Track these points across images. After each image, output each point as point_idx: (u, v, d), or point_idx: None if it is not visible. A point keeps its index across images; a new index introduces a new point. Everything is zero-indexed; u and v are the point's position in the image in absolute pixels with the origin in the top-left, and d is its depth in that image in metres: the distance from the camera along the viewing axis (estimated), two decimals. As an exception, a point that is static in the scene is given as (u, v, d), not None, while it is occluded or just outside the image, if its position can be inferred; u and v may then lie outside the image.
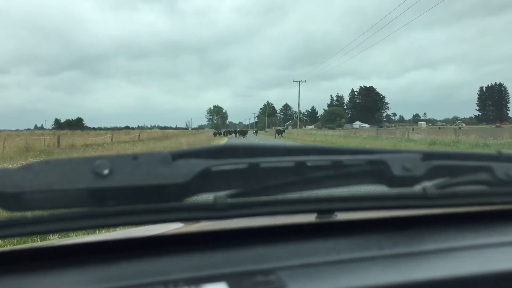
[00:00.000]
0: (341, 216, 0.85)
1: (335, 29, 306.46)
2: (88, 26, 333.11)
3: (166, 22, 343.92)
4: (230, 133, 65.01)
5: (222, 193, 0.66)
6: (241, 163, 0.67)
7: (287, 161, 0.69)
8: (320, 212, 0.79)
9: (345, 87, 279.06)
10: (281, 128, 68.85)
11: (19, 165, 0.63)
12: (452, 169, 0.75)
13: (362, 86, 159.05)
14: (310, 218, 0.83)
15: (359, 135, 46.65)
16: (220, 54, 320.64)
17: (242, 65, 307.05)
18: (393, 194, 0.71)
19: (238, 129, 75.59)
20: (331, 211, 0.80)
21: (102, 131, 70.33)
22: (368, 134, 47.38)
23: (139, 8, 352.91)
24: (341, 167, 0.69)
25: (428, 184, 0.73)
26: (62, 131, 67.64)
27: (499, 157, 0.79)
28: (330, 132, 68.71)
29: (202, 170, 0.62)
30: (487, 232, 0.78)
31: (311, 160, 0.70)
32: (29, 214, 0.62)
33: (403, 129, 54.50)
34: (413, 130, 42.49)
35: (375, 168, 0.70)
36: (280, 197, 0.68)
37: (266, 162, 0.67)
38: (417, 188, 0.72)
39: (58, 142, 25.02)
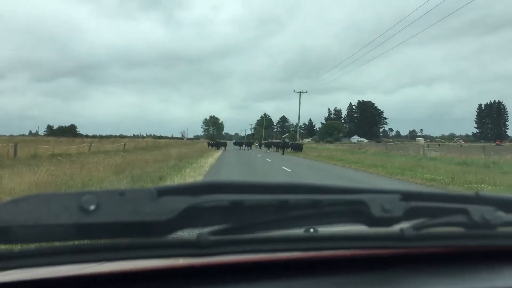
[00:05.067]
0: (323, 252, 0.85)
1: (332, 43, 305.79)
2: (84, 33, 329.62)
3: (162, 32, 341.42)
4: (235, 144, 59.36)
5: (205, 230, 0.68)
6: (225, 201, 0.68)
7: (270, 199, 0.70)
8: (300, 251, 0.79)
9: (341, 101, 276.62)
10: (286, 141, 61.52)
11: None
12: (430, 211, 0.77)
13: (360, 100, 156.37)
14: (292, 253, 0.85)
15: (365, 151, 42.74)
16: (216, 65, 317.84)
17: (239, 76, 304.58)
18: (371, 234, 0.75)
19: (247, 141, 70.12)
20: (311, 250, 0.79)
21: (89, 139, 65.95)
22: (375, 149, 43.51)
23: (136, 17, 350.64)
24: (323, 206, 0.71)
25: (406, 225, 0.75)
26: (45, 138, 63.24)
27: (476, 199, 0.81)
28: (332, 146, 64.90)
29: (186, 207, 0.63)
30: (460, 277, 0.81)
31: (293, 199, 0.71)
32: (16, 247, 0.65)
33: (415, 145, 50.90)
34: (428, 146, 38.60)
35: (355, 208, 0.72)
36: (262, 235, 0.70)
37: (250, 200, 0.69)
38: (395, 228, 0.74)
39: (15, 151, 20.79)
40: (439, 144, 49.64)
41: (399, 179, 15.98)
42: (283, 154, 40.44)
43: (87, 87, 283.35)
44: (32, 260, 0.63)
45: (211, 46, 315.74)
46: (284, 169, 20.01)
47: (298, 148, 43.93)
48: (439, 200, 0.79)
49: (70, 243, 0.64)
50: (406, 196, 0.75)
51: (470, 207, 0.76)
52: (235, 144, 66.44)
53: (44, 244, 0.66)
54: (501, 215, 0.77)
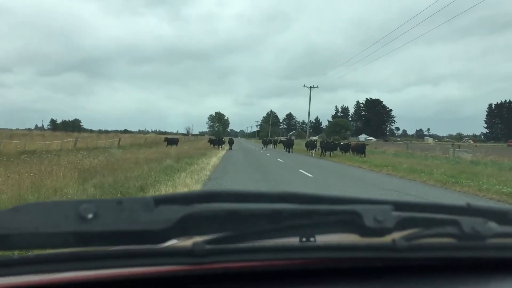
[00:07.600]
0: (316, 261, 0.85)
1: (338, 41, 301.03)
2: (91, 29, 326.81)
3: (168, 28, 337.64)
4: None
5: (200, 238, 0.69)
6: (221, 210, 0.69)
7: (265, 209, 0.71)
8: (295, 260, 0.79)
9: (346, 99, 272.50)
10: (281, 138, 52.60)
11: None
12: (422, 221, 0.77)
13: (369, 98, 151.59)
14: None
15: (383, 150, 38.74)
16: (222, 62, 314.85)
17: (244, 73, 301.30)
18: (364, 244, 0.76)
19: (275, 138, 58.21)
20: (305, 259, 0.79)
21: (88, 133, 62.38)
22: (395, 149, 39.45)
23: (142, 13, 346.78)
24: (317, 216, 0.72)
25: (398, 235, 0.76)
26: (40, 132, 60.05)
27: (468, 210, 0.82)
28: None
29: (182, 216, 0.64)
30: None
31: (288, 208, 0.72)
32: (15, 254, 0.66)
33: (444, 145, 46.91)
34: (459, 147, 34.58)
35: (348, 219, 0.73)
36: (257, 244, 0.72)
37: (245, 209, 0.70)
38: (388, 238, 0.75)
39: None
40: (452, 144, 45.75)
41: (459, 191, 12.12)
42: (323, 155, 31.11)
43: (93, 82, 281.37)
44: (31, 267, 0.65)
45: (217, 43, 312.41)
46: (305, 174, 16.21)
47: (348, 149, 31.91)
48: (431, 210, 0.80)
49: (68, 250, 0.65)
50: (399, 206, 0.77)
51: (461, 219, 0.76)
52: (263, 143, 52.67)
53: (43, 251, 0.67)
54: (492, 226, 0.77)
